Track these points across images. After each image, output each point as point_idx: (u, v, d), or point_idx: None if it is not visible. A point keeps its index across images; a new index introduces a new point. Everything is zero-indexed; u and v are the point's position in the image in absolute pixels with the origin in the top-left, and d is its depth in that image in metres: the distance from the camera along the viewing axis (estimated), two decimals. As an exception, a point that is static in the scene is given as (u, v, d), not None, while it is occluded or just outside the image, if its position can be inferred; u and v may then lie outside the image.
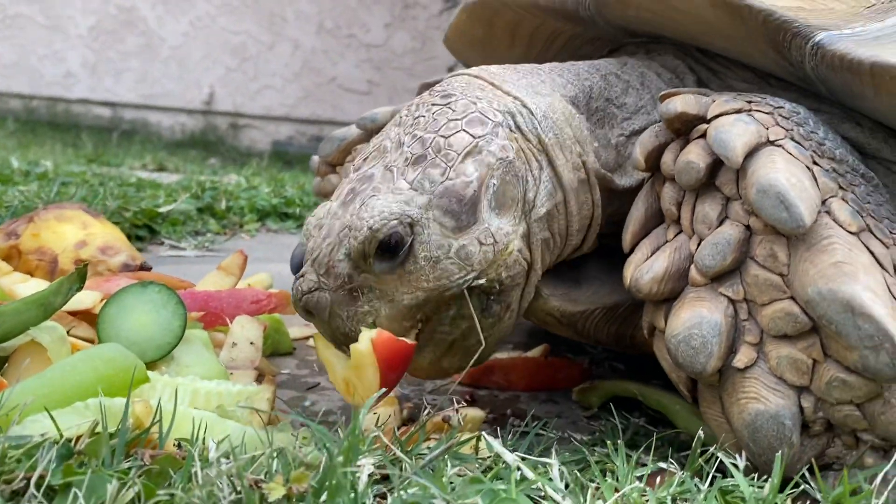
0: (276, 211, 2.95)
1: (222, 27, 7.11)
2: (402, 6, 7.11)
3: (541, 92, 1.11)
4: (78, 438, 0.83)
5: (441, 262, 0.97)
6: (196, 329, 1.23)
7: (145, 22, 7.08)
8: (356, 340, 0.97)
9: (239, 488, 0.75)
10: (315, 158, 1.78)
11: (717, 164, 0.94)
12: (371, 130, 1.68)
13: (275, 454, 0.83)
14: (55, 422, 0.84)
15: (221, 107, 7.19)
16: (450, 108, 1.04)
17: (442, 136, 1.01)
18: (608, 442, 0.99)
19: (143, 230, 2.38)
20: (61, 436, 0.82)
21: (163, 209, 2.50)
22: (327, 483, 0.74)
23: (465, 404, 1.25)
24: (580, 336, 1.25)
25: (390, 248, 0.95)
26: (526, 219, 1.04)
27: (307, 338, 1.54)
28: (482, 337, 1.02)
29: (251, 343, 1.26)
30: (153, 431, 0.87)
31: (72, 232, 1.52)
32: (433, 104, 1.06)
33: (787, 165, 0.89)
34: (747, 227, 0.91)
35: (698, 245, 0.94)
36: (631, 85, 1.21)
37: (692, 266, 0.94)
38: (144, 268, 1.49)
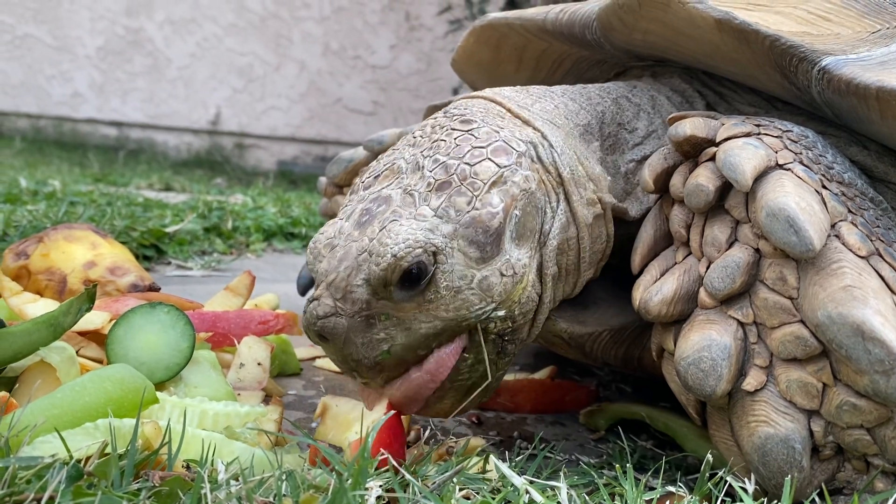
0: (283, 231, 2.95)
1: (229, 48, 7.17)
2: (408, 28, 7.17)
3: (557, 123, 1.10)
4: (87, 459, 0.83)
5: (462, 292, 0.96)
6: (204, 350, 1.23)
7: (152, 42, 7.15)
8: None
9: (248, 510, 0.75)
10: (322, 179, 1.80)
11: (726, 187, 0.95)
12: (378, 152, 1.69)
13: (284, 476, 0.83)
14: (65, 442, 0.84)
15: (227, 127, 7.24)
16: (472, 134, 1.02)
17: (467, 164, 0.99)
18: (616, 465, 0.98)
19: (151, 250, 2.39)
20: (71, 457, 0.82)
21: (170, 229, 2.51)
22: (337, 506, 0.73)
23: (473, 423, 1.25)
24: (587, 358, 1.25)
25: (412, 277, 0.93)
26: (541, 250, 1.04)
27: (314, 358, 1.54)
28: (496, 376, 1.03)
29: (258, 364, 1.27)
30: (162, 453, 0.87)
31: (81, 252, 1.53)
32: (453, 129, 1.04)
33: (797, 189, 0.89)
34: (756, 250, 0.91)
35: (707, 267, 0.94)
36: (642, 108, 1.21)
37: (701, 288, 0.94)
38: (153, 288, 1.49)
